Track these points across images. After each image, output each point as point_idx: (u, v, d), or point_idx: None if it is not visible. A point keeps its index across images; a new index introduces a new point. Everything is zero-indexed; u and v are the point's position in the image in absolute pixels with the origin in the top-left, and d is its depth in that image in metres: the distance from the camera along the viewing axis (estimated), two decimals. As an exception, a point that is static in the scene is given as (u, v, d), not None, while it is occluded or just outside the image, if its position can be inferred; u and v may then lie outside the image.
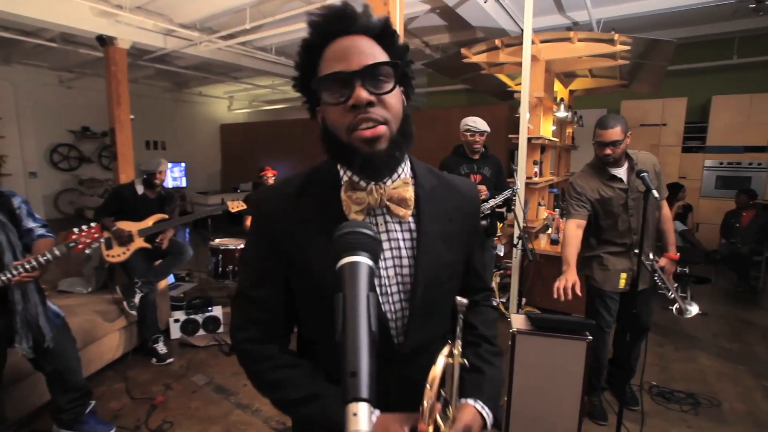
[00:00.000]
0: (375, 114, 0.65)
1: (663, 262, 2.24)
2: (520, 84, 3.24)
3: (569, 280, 1.93)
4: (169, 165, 3.42)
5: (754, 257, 4.56)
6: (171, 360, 2.97)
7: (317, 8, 0.70)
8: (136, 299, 2.88)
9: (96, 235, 1.91)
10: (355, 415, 0.33)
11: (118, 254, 2.92)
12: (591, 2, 3.94)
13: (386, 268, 0.73)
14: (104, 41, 3.83)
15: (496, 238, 3.42)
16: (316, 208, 0.73)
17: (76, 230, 1.89)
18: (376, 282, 0.72)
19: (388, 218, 0.73)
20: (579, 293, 1.91)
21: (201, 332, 3.33)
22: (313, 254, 0.71)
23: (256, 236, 0.78)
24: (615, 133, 2.05)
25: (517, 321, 1.83)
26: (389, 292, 0.73)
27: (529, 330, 1.77)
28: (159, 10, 4.17)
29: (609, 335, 2.30)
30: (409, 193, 0.71)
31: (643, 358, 2.12)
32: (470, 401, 0.74)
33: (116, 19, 3.84)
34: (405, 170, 0.75)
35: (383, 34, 0.69)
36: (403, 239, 0.74)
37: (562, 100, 4.37)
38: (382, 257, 0.72)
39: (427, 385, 0.63)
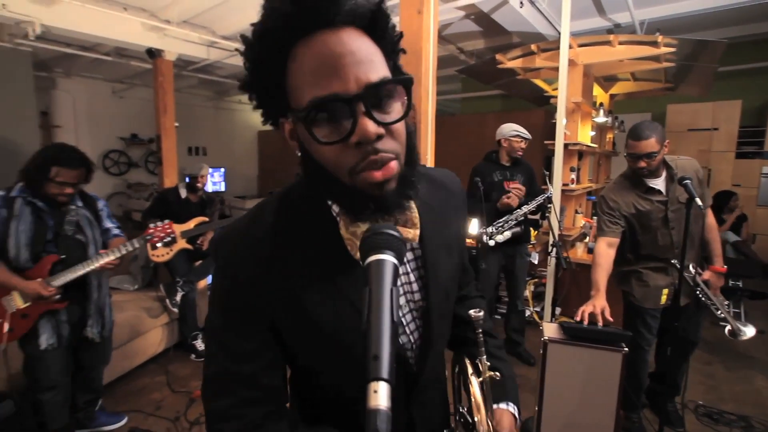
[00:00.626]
0: (385, 150, 0.50)
1: (707, 275, 2.05)
2: (557, 89, 3.17)
3: (597, 306, 1.81)
4: (210, 170, 3.59)
5: (818, 272, 4.20)
6: (208, 357, 3.09)
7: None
8: (178, 297, 3.04)
9: (169, 230, 2.09)
10: (375, 392, 0.34)
11: (162, 254, 3.08)
12: (633, 3, 3.79)
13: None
14: (153, 54, 4.09)
15: (530, 246, 3.34)
16: (308, 252, 0.58)
17: (151, 226, 2.09)
18: None
19: None
20: (610, 318, 1.79)
21: (236, 331, 3.45)
22: (322, 311, 0.57)
23: (226, 301, 0.60)
24: (649, 144, 1.87)
25: (549, 330, 1.78)
26: (404, 322, 0.64)
27: (561, 339, 1.71)
28: (203, 23, 4.39)
29: (649, 353, 2.15)
30: (413, 210, 0.60)
31: (687, 374, 1.99)
32: (503, 406, 0.75)
33: (164, 33, 4.08)
34: None
35: (375, 22, 0.50)
36: (407, 261, 0.64)
37: (601, 104, 4.23)
38: None
39: (475, 409, 0.66)
